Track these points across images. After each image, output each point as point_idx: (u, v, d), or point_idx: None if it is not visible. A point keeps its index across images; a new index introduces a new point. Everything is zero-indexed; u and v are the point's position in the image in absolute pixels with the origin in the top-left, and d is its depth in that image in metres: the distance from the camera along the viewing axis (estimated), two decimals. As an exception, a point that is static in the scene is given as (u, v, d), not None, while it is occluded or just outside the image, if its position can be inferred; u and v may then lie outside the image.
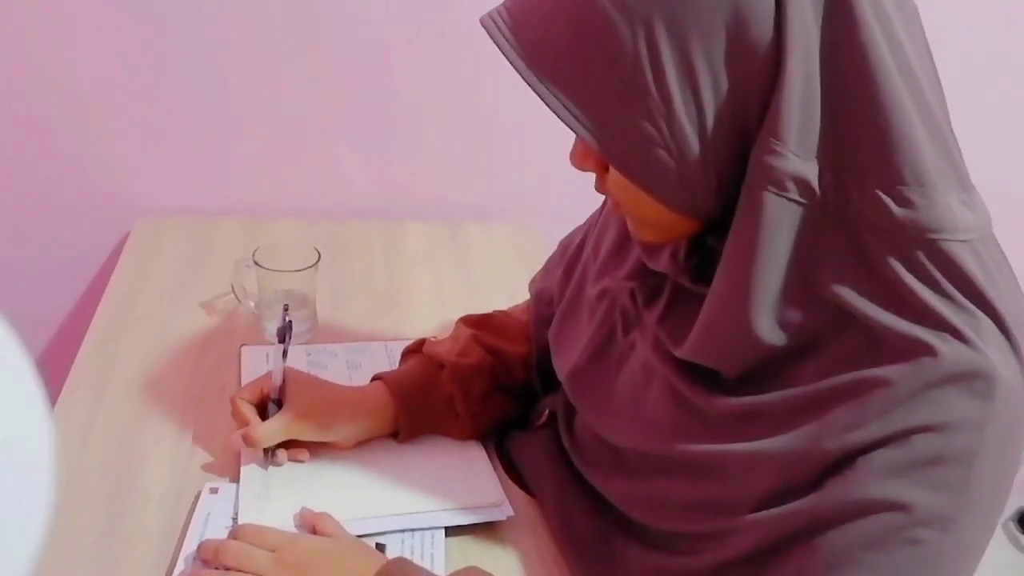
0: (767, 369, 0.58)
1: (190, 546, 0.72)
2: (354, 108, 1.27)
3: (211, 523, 0.75)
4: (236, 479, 0.80)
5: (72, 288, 1.27)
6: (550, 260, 0.95)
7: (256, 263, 0.99)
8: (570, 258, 0.88)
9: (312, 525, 0.72)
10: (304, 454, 0.82)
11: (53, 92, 1.18)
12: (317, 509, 0.74)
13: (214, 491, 0.78)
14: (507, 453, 0.88)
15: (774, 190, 0.54)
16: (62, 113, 1.19)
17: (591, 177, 0.64)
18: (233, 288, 1.03)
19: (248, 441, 0.78)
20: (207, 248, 1.20)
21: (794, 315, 0.56)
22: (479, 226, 1.34)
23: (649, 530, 0.66)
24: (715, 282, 0.59)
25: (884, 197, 0.53)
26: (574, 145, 0.62)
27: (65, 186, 1.24)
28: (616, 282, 0.75)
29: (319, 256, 1.02)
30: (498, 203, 1.37)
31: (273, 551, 0.68)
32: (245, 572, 0.66)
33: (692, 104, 0.54)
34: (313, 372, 0.96)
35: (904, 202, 0.53)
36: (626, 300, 0.73)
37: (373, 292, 1.16)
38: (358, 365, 0.99)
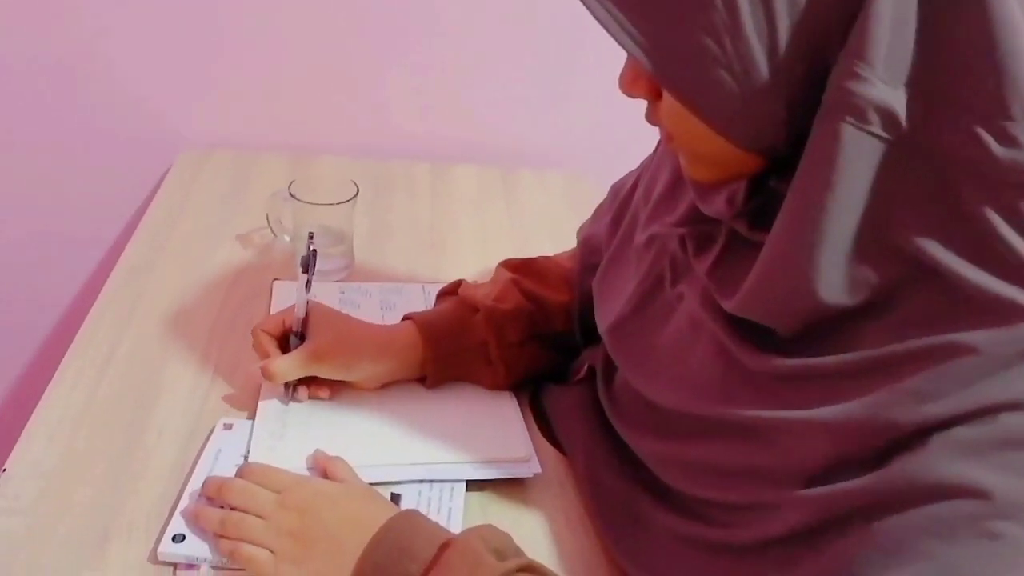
0: (828, 328, 0.51)
1: (196, 482, 0.68)
2: (405, 47, 1.21)
3: (221, 460, 0.71)
4: (253, 416, 0.76)
5: (114, 220, 1.25)
6: (600, 206, 0.88)
7: (292, 195, 0.94)
8: (620, 204, 0.81)
9: (324, 468, 0.68)
10: (325, 392, 0.78)
11: (96, 24, 1.14)
12: (332, 453, 0.70)
13: (228, 427, 0.74)
14: (541, 407, 0.82)
15: (853, 121, 0.46)
16: (107, 46, 1.16)
17: (647, 127, 0.57)
18: (268, 221, 0.99)
19: (266, 374, 0.74)
20: (248, 182, 1.17)
21: (865, 269, 0.49)
22: (531, 173, 1.27)
23: (684, 497, 0.60)
24: (775, 228, 0.51)
25: (985, 134, 0.44)
26: (624, 66, 0.55)
27: (110, 119, 1.21)
28: (666, 228, 0.68)
29: (357, 190, 0.97)
30: (551, 151, 1.30)
31: (279, 492, 0.64)
32: (247, 512, 0.63)
33: (762, 16, 0.46)
34: (345, 311, 0.91)
35: (1009, 140, 0.44)
36: (675, 247, 0.66)
37: (415, 233, 1.11)
38: (392, 306, 0.94)
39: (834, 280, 0.49)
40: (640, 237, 0.72)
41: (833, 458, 0.49)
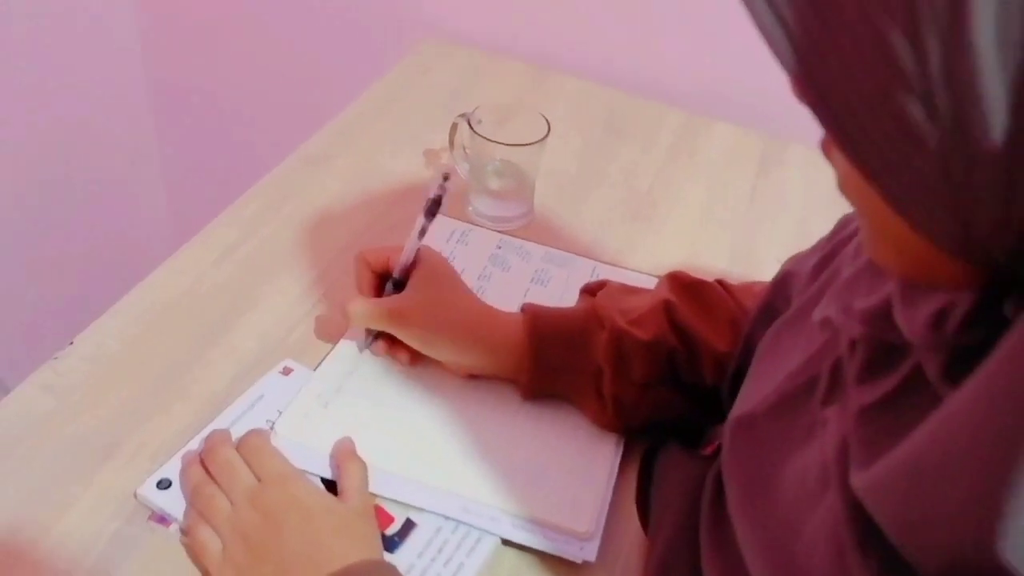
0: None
1: (217, 424, 0.61)
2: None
3: (257, 409, 0.63)
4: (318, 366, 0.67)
5: (342, 96, 1.20)
6: (821, 239, 0.64)
7: (469, 124, 0.81)
8: (835, 245, 0.58)
9: (339, 465, 0.58)
10: (404, 356, 0.66)
11: None
12: (365, 445, 0.59)
13: (286, 372, 0.66)
14: (652, 465, 0.64)
15: None
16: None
17: None
18: (450, 144, 0.87)
19: (346, 311, 0.64)
20: (473, 88, 1.05)
21: None
22: (802, 148, 1.01)
23: None
24: (965, 395, 0.30)
25: None
26: None
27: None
28: (845, 316, 0.46)
29: (548, 130, 0.81)
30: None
31: (259, 481, 0.54)
32: (220, 489, 0.54)
33: (997, 65, 0.24)
34: (490, 269, 0.79)
35: None
36: (845, 350, 0.44)
37: (625, 195, 0.93)
38: (545, 280, 0.79)
39: None
40: (819, 313, 0.50)
41: None
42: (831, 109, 0.29)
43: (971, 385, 0.30)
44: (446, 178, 0.65)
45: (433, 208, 0.64)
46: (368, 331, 0.67)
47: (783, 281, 0.63)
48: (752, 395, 0.53)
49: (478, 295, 0.76)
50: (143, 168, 1.44)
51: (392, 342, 0.67)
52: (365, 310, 0.64)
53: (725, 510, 0.52)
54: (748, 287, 0.68)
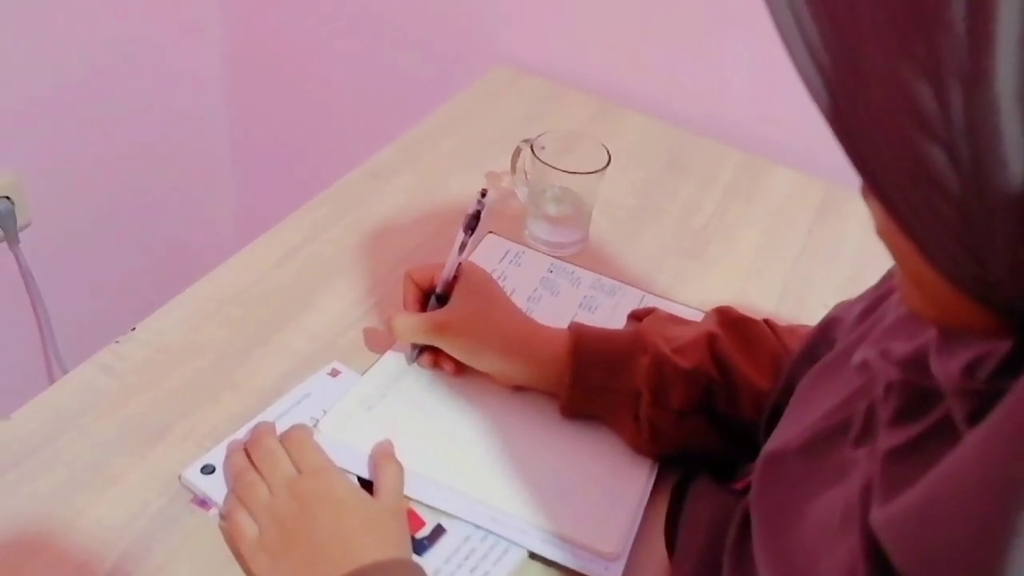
0: None
1: (263, 417, 0.63)
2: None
3: (303, 405, 0.65)
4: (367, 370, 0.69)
5: (410, 118, 1.24)
6: (873, 286, 0.64)
7: (532, 150, 0.83)
8: (883, 293, 0.58)
9: (376, 465, 0.59)
10: (450, 366, 0.68)
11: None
12: (404, 450, 0.61)
13: (334, 374, 0.68)
14: (684, 494, 0.64)
15: None
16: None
17: None
18: (512, 168, 0.89)
19: (390, 325, 0.66)
20: (539, 115, 1.07)
21: None
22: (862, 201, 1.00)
23: None
24: (972, 439, 0.31)
25: None
26: None
27: (430, 22, 1.18)
28: (884, 359, 0.46)
29: (608, 160, 0.83)
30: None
31: (300, 471, 0.56)
32: (262, 477, 0.56)
33: (1017, 115, 0.25)
34: (540, 291, 0.80)
35: None
36: (879, 394, 0.45)
37: (681, 230, 0.93)
38: (593, 307, 0.80)
39: None
40: (859, 355, 0.50)
41: None
42: (860, 152, 0.30)
43: (986, 425, 0.30)
44: (483, 194, 0.66)
45: (472, 223, 0.66)
46: (413, 345, 0.69)
47: (828, 325, 0.63)
48: (785, 432, 0.53)
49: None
50: (215, 174, 1.50)
51: (437, 354, 0.68)
52: (409, 324, 0.66)
53: (750, 545, 0.53)
54: (793, 329, 0.68)
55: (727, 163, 1.04)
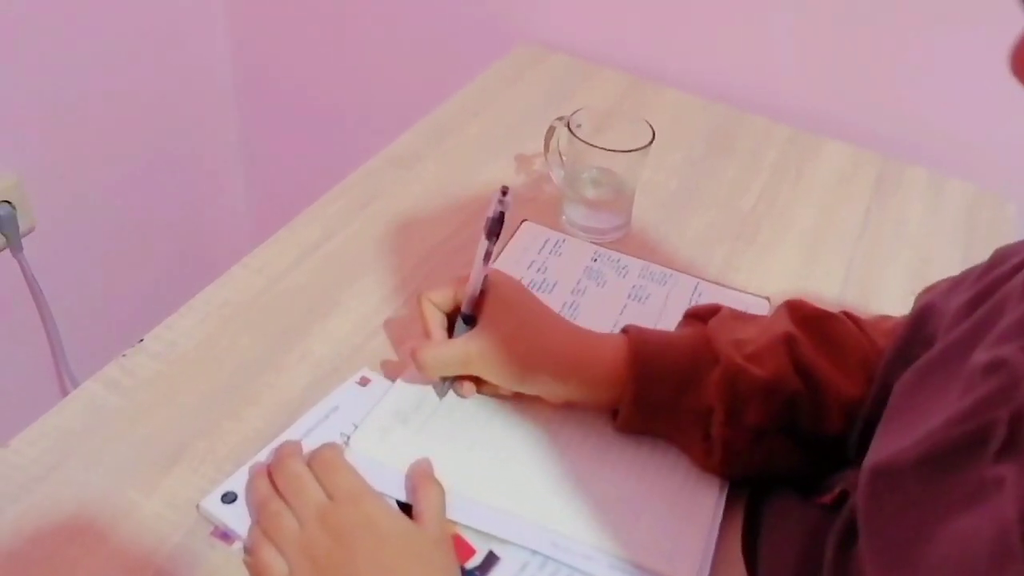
0: None
1: (289, 435, 0.57)
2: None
3: (331, 420, 0.58)
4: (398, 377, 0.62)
5: (432, 100, 1.17)
6: (968, 271, 0.56)
7: (568, 128, 0.76)
8: (993, 280, 0.50)
9: (415, 486, 0.52)
10: (471, 389, 0.60)
11: None
12: (446, 468, 0.54)
13: (363, 383, 0.62)
14: (759, 514, 0.57)
15: None
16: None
17: None
18: (545, 148, 0.82)
19: (415, 360, 0.57)
20: (571, 94, 1.00)
21: None
22: (925, 173, 0.93)
23: None
24: None
25: None
26: None
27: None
28: None
29: (652, 137, 0.75)
30: (962, 153, 0.94)
31: (331, 498, 0.49)
32: (288, 506, 0.49)
33: None
34: (585, 283, 0.73)
35: None
36: None
37: (725, 210, 0.86)
38: (643, 297, 0.73)
39: None
40: (984, 354, 0.43)
41: None
42: None
43: None
44: (504, 192, 0.56)
45: (496, 228, 0.56)
46: (443, 376, 0.60)
47: (921, 317, 0.55)
48: (891, 443, 0.46)
49: (571, 310, 0.71)
50: (225, 168, 1.43)
51: (478, 380, 0.60)
52: (439, 357, 0.57)
53: (853, 565, 0.46)
54: (879, 322, 0.61)
55: (773, 139, 0.97)
